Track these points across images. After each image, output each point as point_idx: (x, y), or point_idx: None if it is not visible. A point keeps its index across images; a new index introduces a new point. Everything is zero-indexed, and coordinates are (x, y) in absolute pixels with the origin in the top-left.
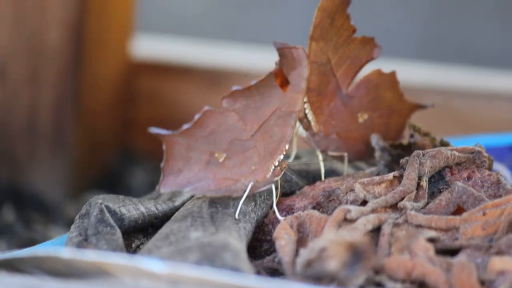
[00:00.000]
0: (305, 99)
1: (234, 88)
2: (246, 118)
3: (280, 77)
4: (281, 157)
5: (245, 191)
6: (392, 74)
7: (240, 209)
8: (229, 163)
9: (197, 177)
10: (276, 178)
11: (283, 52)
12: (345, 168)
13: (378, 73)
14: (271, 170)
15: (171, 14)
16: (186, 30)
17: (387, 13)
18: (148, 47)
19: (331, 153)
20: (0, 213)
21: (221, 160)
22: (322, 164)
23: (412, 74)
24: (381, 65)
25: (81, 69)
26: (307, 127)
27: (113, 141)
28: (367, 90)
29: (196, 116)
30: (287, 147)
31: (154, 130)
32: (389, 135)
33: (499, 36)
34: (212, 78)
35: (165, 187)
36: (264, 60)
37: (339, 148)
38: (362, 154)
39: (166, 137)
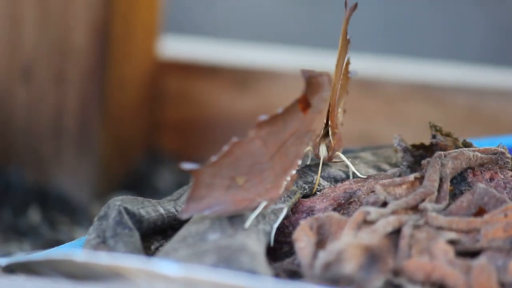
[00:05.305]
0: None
1: (261, 118)
2: (268, 142)
3: (303, 102)
4: (293, 172)
5: (256, 208)
6: (347, 61)
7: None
8: (248, 185)
9: (217, 201)
10: (287, 193)
11: (310, 79)
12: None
13: (346, 64)
14: (283, 186)
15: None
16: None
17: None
18: (175, 47)
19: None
20: (26, 214)
21: (240, 183)
22: (350, 164)
23: (438, 73)
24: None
25: (107, 69)
26: (331, 147)
27: (139, 141)
28: (342, 85)
29: (224, 148)
30: (299, 162)
31: (185, 166)
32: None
33: None
34: (239, 79)
35: (186, 213)
36: (292, 60)
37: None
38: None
39: (195, 171)
